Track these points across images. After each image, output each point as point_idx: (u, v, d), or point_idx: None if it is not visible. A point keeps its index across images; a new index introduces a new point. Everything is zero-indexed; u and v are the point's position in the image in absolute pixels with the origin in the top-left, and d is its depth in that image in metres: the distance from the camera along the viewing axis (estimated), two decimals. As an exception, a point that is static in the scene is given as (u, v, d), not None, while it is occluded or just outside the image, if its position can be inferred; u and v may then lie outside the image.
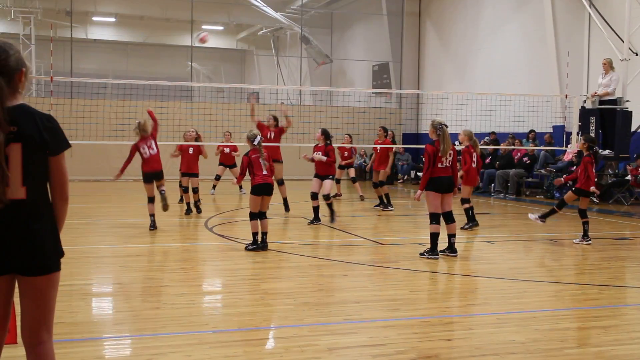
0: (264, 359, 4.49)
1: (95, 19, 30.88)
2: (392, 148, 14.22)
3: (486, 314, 5.81)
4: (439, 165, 8.26)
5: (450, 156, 8.35)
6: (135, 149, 10.53)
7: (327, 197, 11.46)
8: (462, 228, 10.82)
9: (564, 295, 6.63)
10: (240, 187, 16.46)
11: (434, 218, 8.29)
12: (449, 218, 8.42)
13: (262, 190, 8.65)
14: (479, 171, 11.40)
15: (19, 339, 3.56)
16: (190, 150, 13.00)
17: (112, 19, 31.38)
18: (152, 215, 10.57)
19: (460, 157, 10.85)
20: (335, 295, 6.29)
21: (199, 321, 5.37)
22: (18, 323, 3.45)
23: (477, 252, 9.13)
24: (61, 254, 3.15)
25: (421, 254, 8.31)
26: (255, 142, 8.68)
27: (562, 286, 7.03)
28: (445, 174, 8.29)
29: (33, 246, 3.02)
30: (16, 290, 3.14)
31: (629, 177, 15.14)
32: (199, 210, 12.76)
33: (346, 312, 5.69)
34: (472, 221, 11.13)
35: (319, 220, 11.41)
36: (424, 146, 15.11)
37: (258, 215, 8.64)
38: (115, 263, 7.98)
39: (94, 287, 6.81)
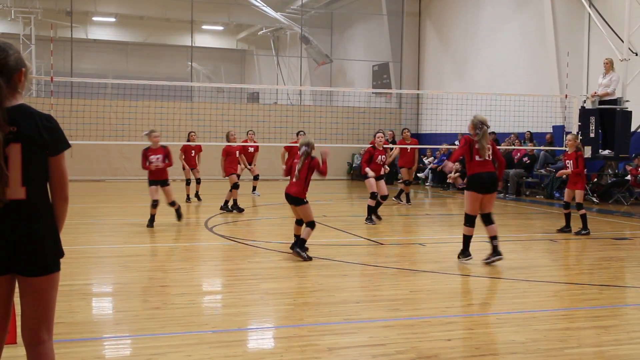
0: (264, 359, 4.49)
1: (95, 19, 30.89)
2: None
3: (486, 314, 5.82)
4: (477, 158, 7.84)
5: (489, 150, 7.92)
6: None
7: (385, 198, 11.78)
8: (576, 233, 10.54)
9: (564, 295, 6.63)
10: (254, 189, 16.24)
11: (469, 220, 7.99)
12: (488, 220, 8.02)
13: (286, 198, 8.20)
14: (580, 174, 10.47)
15: (19, 339, 3.56)
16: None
17: (112, 19, 31.38)
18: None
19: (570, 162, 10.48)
20: (335, 295, 6.29)
21: (199, 321, 5.37)
22: (18, 323, 3.45)
23: (478, 252, 9.11)
24: (61, 254, 3.15)
25: (458, 257, 8.10)
26: (300, 152, 8.20)
27: (562, 286, 7.03)
28: (485, 169, 7.85)
29: (33, 246, 3.02)
30: (16, 290, 3.14)
31: (628, 177, 15.15)
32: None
33: (346, 312, 5.69)
34: (584, 229, 10.51)
35: (372, 221, 11.63)
36: (424, 146, 15.20)
37: (296, 220, 8.27)
38: (115, 263, 7.98)
39: (94, 287, 6.81)
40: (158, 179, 10.80)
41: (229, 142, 13.27)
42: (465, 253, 8.05)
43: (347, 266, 7.76)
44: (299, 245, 8.00)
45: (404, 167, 14.98)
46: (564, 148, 15.84)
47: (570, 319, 5.63)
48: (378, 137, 11.86)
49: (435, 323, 5.41)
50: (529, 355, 4.60)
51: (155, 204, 10.72)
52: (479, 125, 7.90)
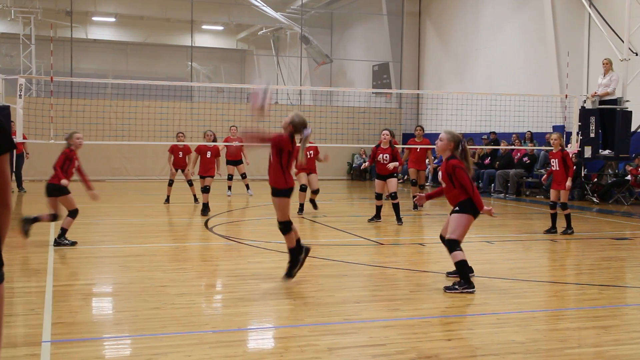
0: (264, 359, 4.49)
1: (95, 19, 30.90)
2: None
3: (486, 314, 5.81)
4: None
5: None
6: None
7: (394, 196, 11.56)
8: (562, 233, 10.52)
9: (564, 295, 6.63)
10: (248, 187, 16.26)
11: (458, 245, 6.59)
12: None
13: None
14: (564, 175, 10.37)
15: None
16: (208, 154, 12.83)
17: (112, 19, 31.39)
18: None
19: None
20: (335, 295, 6.29)
21: (199, 321, 5.37)
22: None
23: (477, 252, 9.12)
24: (1, 264, 2.82)
25: (451, 289, 6.44)
26: (304, 135, 7.19)
27: (562, 286, 7.03)
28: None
29: None
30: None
31: (629, 177, 15.15)
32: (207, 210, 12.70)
33: (346, 312, 5.68)
34: (569, 228, 10.57)
35: (380, 218, 11.78)
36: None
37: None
38: (115, 263, 7.98)
39: (94, 287, 6.81)
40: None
41: (206, 141, 12.97)
42: (469, 283, 6.45)
43: (347, 266, 7.76)
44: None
45: (413, 168, 14.65)
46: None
47: (570, 319, 5.63)
48: (382, 135, 11.86)
49: (435, 323, 5.41)
50: (529, 355, 4.60)
51: (55, 217, 9.13)
52: (460, 141, 6.69)
